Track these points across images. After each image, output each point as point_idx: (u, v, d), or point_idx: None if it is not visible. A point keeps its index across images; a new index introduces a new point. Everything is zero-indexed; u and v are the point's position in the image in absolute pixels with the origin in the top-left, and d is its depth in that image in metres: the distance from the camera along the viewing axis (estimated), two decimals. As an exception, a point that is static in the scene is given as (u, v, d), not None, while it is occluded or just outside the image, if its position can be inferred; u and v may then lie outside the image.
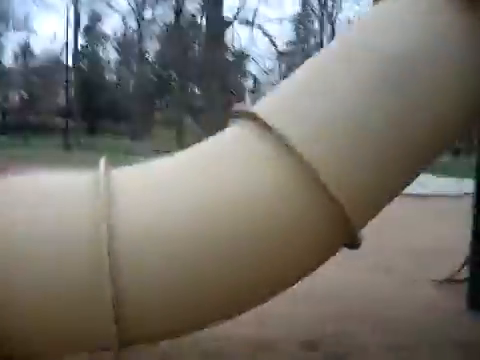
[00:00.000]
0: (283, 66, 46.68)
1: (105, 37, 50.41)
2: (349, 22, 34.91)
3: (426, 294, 5.41)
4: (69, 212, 2.61)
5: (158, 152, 27.24)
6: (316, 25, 46.31)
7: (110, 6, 47.19)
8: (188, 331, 2.91)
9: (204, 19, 35.50)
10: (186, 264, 2.59)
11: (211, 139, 3.06)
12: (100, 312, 2.51)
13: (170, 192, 2.71)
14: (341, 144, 2.82)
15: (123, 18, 48.40)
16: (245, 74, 50.39)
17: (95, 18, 49.05)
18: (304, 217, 2.75)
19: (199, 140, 3.06)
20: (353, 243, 2.96)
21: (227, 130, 3.09)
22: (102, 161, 2.84)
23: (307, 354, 3.89)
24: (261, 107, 3.05)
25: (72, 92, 41.10)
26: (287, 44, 46.62)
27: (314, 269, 3.00)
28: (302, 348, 3.96)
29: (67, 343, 2.70)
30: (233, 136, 2.99)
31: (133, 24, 47.94)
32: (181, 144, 38.07)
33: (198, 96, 52.11)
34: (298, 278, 2.97)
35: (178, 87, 46.96)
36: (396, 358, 3.88)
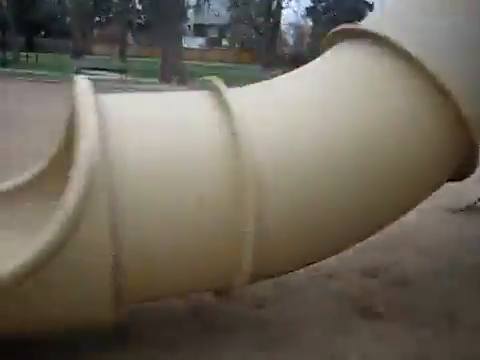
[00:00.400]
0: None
1: None
2: None
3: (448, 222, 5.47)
4: (199, 135, 2.33)
5: (99, 70, 26.16)
6: None
7: None
8: (313, 262, 2.78)
9: None
10: (326, 194, 2.42)
11: (324, 60, 2.81)
12: (237, 248, 2.29)
13: (301, 117, 2.48)
14: (470, 66, 2.67)
15: None
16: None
17: None
18: (433, 138, 2.63)
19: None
20: (472, 165, 2.90)
21: (339, 50, 2.83)
22: (219, 81, 2.54)
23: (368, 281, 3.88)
24: (379, 26, 2.80)
25: (4, 3, 38.06)
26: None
27: (432, 192, 2.92)
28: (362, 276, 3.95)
29: (193, 282, 2.46)
30: (352, 57, 2.75)
31: None
32: (123, 61, 36.71)
33: (140, 12, 49.82)
34: (419, 201, 2.88)
35: (120, 2, 44.66)
36: (444, 285, 3.92)
